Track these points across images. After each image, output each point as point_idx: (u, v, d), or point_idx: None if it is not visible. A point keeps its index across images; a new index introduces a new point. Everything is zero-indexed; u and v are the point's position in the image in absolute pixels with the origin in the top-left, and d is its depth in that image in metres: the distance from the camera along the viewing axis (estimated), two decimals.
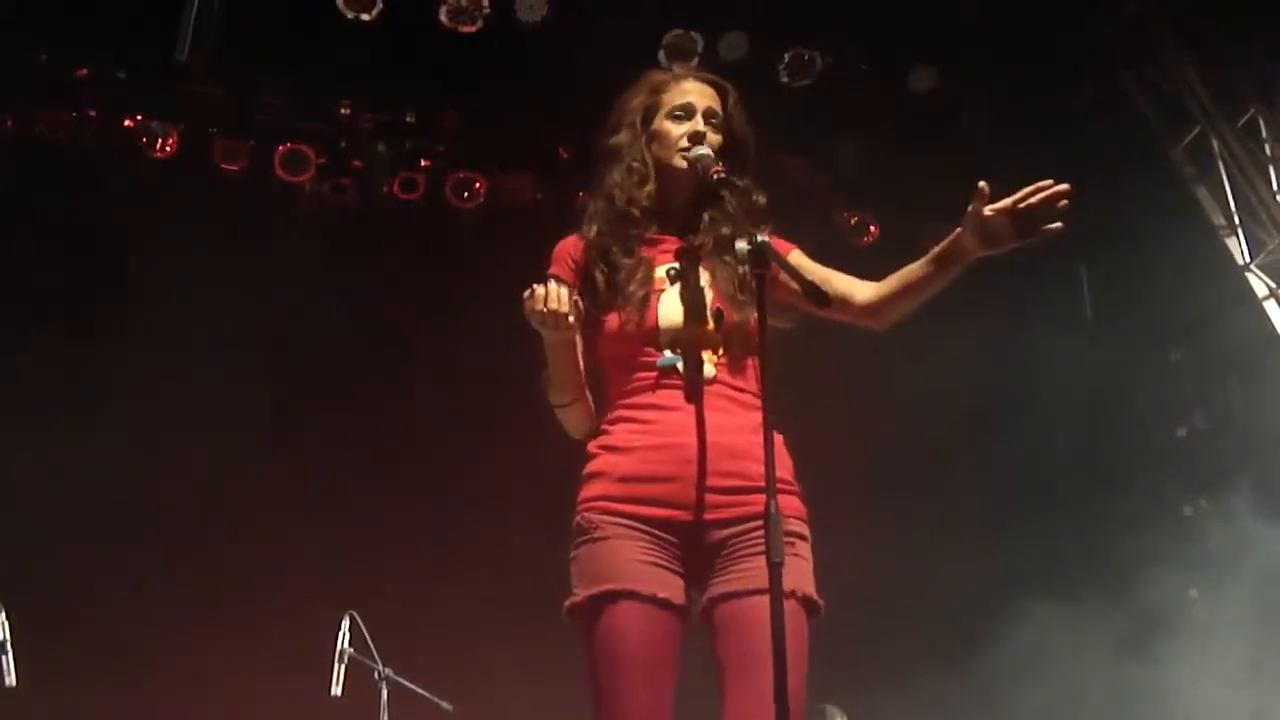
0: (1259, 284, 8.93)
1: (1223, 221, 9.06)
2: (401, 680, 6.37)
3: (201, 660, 7.77)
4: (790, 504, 3.43)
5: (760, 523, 3.20)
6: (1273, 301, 8.88)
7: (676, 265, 3.56)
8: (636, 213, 3.62)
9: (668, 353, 3.49)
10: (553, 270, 3.62)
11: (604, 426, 3.54)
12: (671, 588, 3.36)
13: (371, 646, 6.25)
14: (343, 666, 6.16)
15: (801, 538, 3.43)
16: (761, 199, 3.68)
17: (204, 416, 8.24)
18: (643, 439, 3.45)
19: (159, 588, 8.01)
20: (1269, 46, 8.65)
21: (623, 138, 3.72)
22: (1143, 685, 8.31)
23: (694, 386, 3.46)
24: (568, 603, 3.41)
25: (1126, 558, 9.16)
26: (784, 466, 3.46)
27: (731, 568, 3.36)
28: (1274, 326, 8.85)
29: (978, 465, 8.96)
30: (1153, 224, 9.36)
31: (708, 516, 3.38)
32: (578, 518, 3.46)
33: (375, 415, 8.82)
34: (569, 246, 3.67)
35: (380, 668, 6.28)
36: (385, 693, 6.30)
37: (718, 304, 3.51)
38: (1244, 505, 9.02)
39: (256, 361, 8.49)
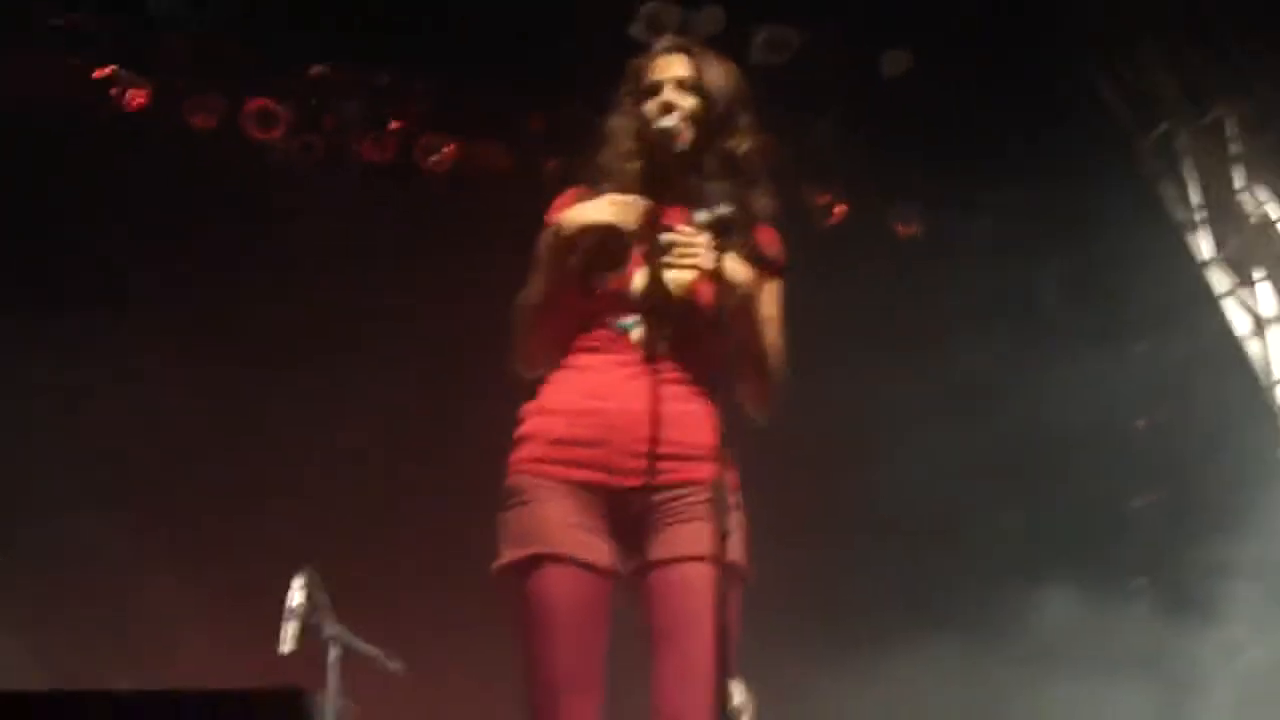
0: (1221, 279, 9.00)
1: (1186, 216, 9.13)
2: (353, 640, 6.37)
3: (153, 610, 7.76)
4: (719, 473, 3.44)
5: (688, 490, 3.26)
6: (1232, 298, 8.95)
7: (661, 236, 3.54)
8: (630, 184, 3.63)
9: (625, 319, 3.51)
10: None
11: (544, 386, 3.56)
12: (600, 551, 3.39)
13: (325, 604, 6.23)
14: (294, 623, 6.14)
15: (733, 506, 3.44)
16: (739, 143, 3.69)
17: (163, 380, 8.22)
18: (575, 402, 3.48)
19: (113, 539, 7.98)
20: (1237, 45, 8.72)
21: (611, 122, 3.76)
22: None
23: (640, 355, 3.49)
24: (496, 565, 3.43)
25: (1078, 544, 9.29)
26: (712, 437, 3.42)
27: (659, 535, 3.39)
28: (1235, 321, 8.92)
29: (937, 455, 9.00)
30: (1116, 218, 9.42)
31: (635, 482, 3.40)
32: (507, 479, 3.49)
33: (338, 373, 8.79)
34: (570, 200, 3.67)
35: (330, 625, 6.26)
36: (334, 652, 6.29)
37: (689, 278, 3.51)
38: (1200, 499, 9.15)
39: (219, 322, 8.48)
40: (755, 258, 3.52)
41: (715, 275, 3.31)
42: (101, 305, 8.18)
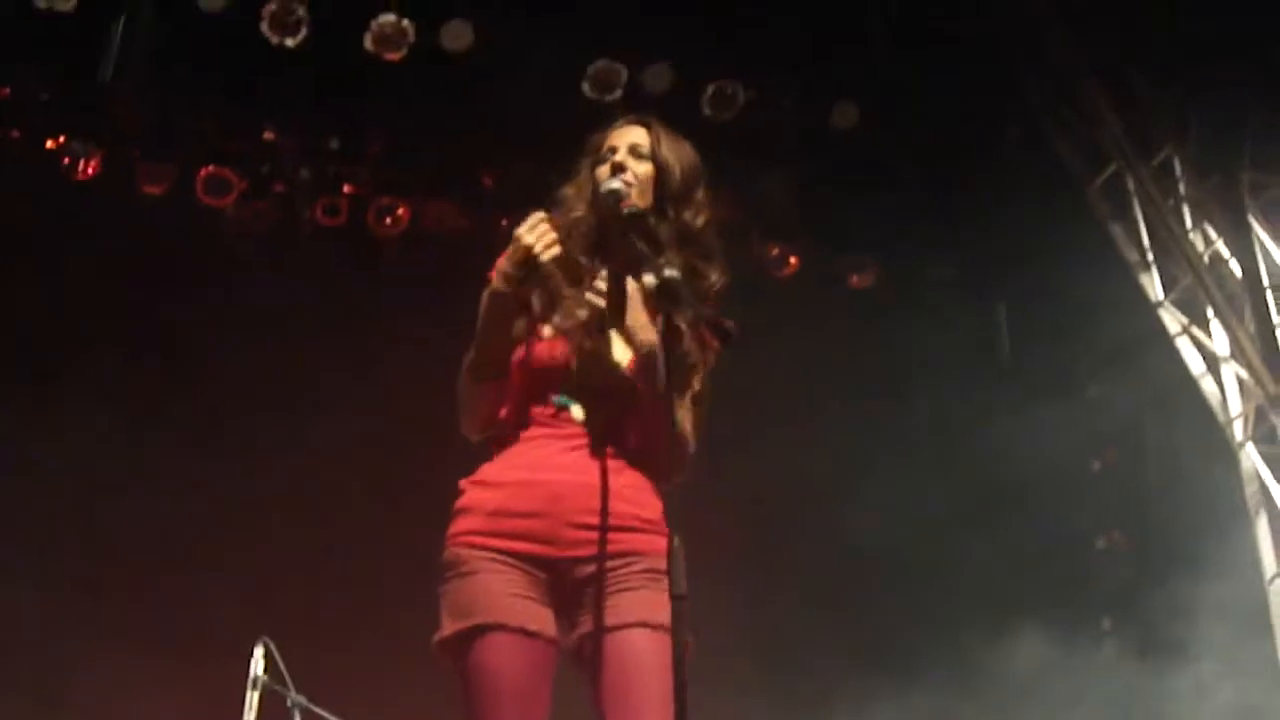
0: (1172, 320, 9.06)
1: (1137, 258, 9.21)
2: (314, 708, 6.33)
3: (115, 687, 7.68)
4: (658, 544, 3.36)
5: (626, 560, 3.29)
6: (1185, 338, 9.01)
7: (603, 306, 3.52)
8: (578, 252, 3.61)
9: (562, 396, 3.52)
10: None
11: (485, 458, 3.55)
12: (541, 620, 3.38)
13: (285, 674, 6.20)
14: (256, 694, 6.11)
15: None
16: (694, 216, 3.68)
17: (118, 441, 8.18)
18: (512, 474, 3.48)
19: (72, 614, 7.92)
20: (1183, 89, 8.83)
21: (568, 189, 3.77)
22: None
23: (579, 430, 3.50)
24: (437, 637, 3.41)
25: (1043, 587, 9.31)
26: (653, 509, 3.49)
27: (600, 604, 3.38)
28: (1186, 362, 8.98)
29: (892, 498, 9.01)
30: (1068, 261, 9.48)
31: (574, 553, 3.40)
32: (446, 552, 3.47)
33: (296, 440, 8.75)
34: None
35: (294, 695, 6.23)
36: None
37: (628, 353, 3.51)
38: (1157, 539, 9.19)
39: (174, 388, 8.45)
40: (710, 324, 3.53)
41: (619, 324, 3.38)
42: (50, 374, 8.14)
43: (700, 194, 3.73)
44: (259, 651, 6.12)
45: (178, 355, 8.57)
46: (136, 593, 8.16)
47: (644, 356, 3.44)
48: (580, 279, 3.57)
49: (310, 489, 8.57)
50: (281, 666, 6.16)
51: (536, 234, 3.40)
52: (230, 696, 6.09)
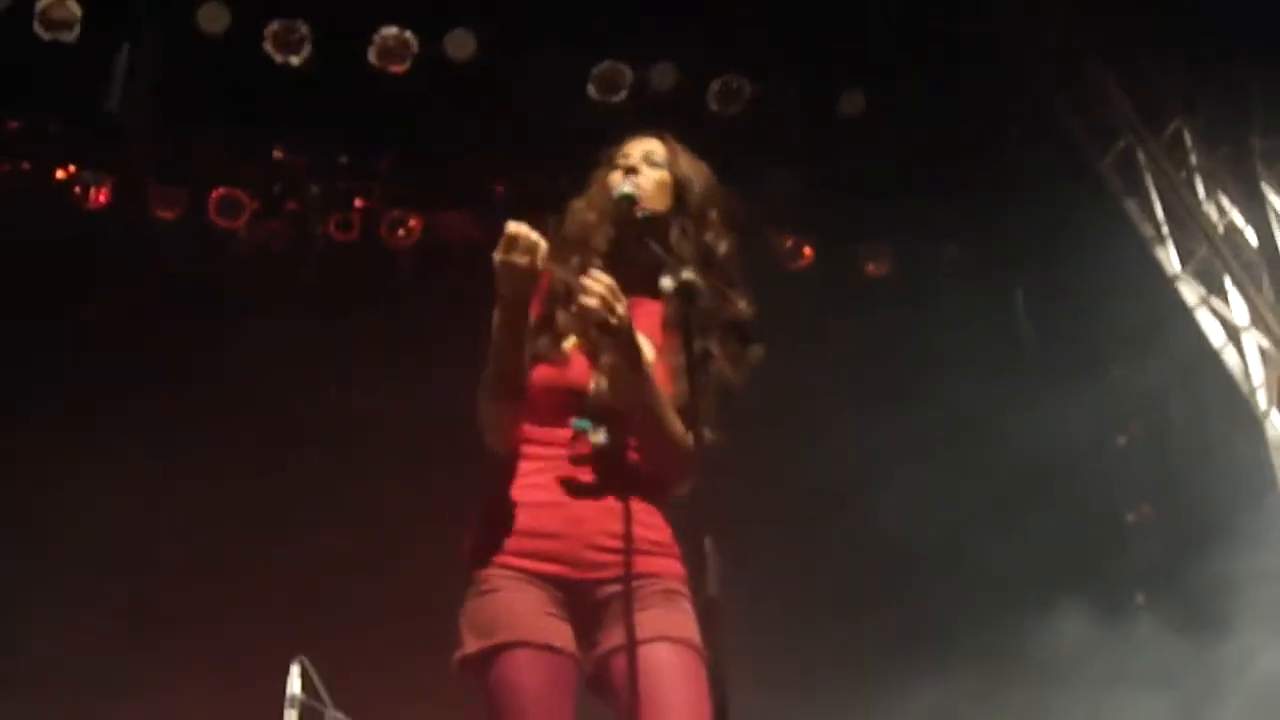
0: (1190, 292, 9.03)
1: (1152, 232, 9.18)
2: None
3: (150, 709, 7.71)
4: (672, 567, 3.50)
5: (644, 581, 3.39)
6: (1205, 309, 8.98)
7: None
8: (594, 258, 3.60)
9: (584, 420, 3.51)
10: None
11: (501, 475, 3.54)
12: (564, 636, 3.39)
13: (322, 691, 6.21)
14: (294, 712, 6.12)
15: (683, 595, 3.49)
16: (716, 239, 3.68)
17: (145, 466, 8.21)
18: (532, 494, 3.47)
19: (102, 633, 7.93)
20: (1188, 59, 8.79)
21: (577, 202, 3.77)
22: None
23: (598, 452, 3.49)
24: (459, 655, 3.41)
25: (1077, 565, 9.28)
26: (664, 531, 3.54)
27: (619, 623, 3.39)
28: (1206, 334, 8.95)
29: (920, 488, 8.99)
30: (1084, 240, 9.45)
31: (594, 575, 3.42)
32: (468, 570, 3.48)
33: (322, 457, 8.76)
34: None
35: (331, 711, 6.24)
36: None
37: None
38: (1187, 512, 9.15)
39: (194, 405, 8.48)
40: (731, 325, 3.52)
41: (618, 332, 3.33)
42: (73, 405, 8.17)
43: (717, 216, 3.73)
44: (295, 670, 6.14)
45: (202, 377, 8.57)
46: (174, 615, 8.17)
47: (645, 368, 3.43)
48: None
49: (341, 505, 8.59)
50: (318, 684, 6.17)
51: (510, 249, 3.30)
52: (270, 716, 6.11)
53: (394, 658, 8.05)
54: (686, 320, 3.23)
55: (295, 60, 8.38)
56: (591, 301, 3.32)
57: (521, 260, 3.29)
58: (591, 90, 8.78)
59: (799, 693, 8.49)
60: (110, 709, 7.73)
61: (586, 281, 3.36)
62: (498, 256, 3.30)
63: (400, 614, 8.16)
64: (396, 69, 8.57)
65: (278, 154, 9.27)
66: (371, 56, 8.54)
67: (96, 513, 7.95)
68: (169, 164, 9.04)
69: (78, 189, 8.82)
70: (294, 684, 6.11)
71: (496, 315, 3.43)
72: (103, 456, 8.01)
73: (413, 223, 9.28)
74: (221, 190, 8.99)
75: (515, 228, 3.30)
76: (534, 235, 3.30)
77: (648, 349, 3.49)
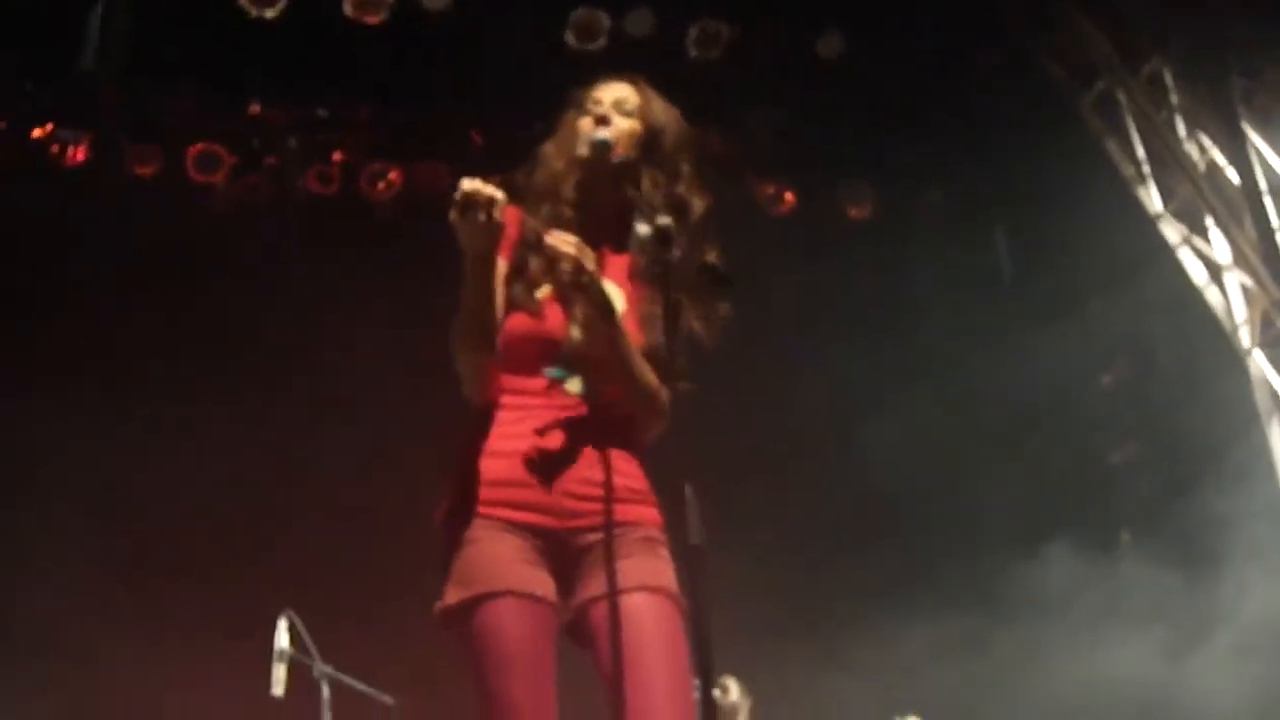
0: (1172, 232, 9.03)
1: (1133, 171, 9.18)
2: (342, 676, 6.36)
3: (140, 663, 7.72)
4: (650, 514, 3.48)
5: (623, 529, 3.37)
6: (1187, 248, 8.98)
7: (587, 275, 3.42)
8: (564, 207, 3.57)
9: (558, 369, 3.50)
10: None
11: (476, 425, 3.53)
12: (545, 585, 3.38)
13: (310, 644, 6.23)
14: (283, 666, 6.13)
15: (662, 544, 3.48)
16: (687, 189, 3.64)
17: (132, 428, 8.21)
18: (510, 444, 3.45)
19: (90, 590, 7.94)
20: None
21: (547, 146, 3.71)
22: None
23: (573, 400, 3.48)
24: (440, 605, 3.39)
25: (1065, 505, 9.33)
26: (641, 479, 3.51)
27: (598, 572, 3.39)
28: (1189, 273, 8.96)
29: (904, 430, 9.01)
30: (1066, 180, 9.44)
31: (573, 524, 3.41)
32: (445, 520, 3.47)
33: (309, 409, 8.74)
34: (509, 214, 3.44)
35: (319, 665, 6.26)
36: (326, 690, 6.28)
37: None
38: (1171, 450, 9.19)
39: (178, 362, 8.47)
40: (706, 270, 3.50)
41: (588, 289, 3.32)
42: (56, 364, 8.15)
43: (689, 169, 3.68)
44: (283, 624, 6.15)
45: (188, 337, 8.56)
46: (162, 573, 8.19)
47: (618, 322, 3.41)
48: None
49: (326, 457, 8.60)
50: (306, 638, 6.19)
51: (467, 208, 3.23)
52: (260, 669, 6.12)
53: (380, 609, 8.08)
54: (663, 266, 3.22)
55: (270, 13, 8.32)
56: (563, 264, 3.32)
57: (479, 217, 3.24)
58: (569, 38, 8.73)
59: (785, 636, 8.53)
60: (98, 666, 7.75)
61: (552, 242, 3.34)
62: (453, 217, 3.24)
63: (388, 566, 8.17)
64: (372, 19, 8.50)
65: (255, 108, 9.21)
66: (347, 8, 8.47)
67: (78, 471, 7.95)
68: (145, 120, 8.99)
69: (55, 147, 8.76)
70: (281, 638, 6.13)
71: (464, 266, 3.40)
72: (85, 414, 7.98)
73: (392, 175, 9.24)
74: (199, 146, 8.93)
75: (469, 185, 3.23)
76: (488, 190, 3.23)
77: (618, 299, 3.48)
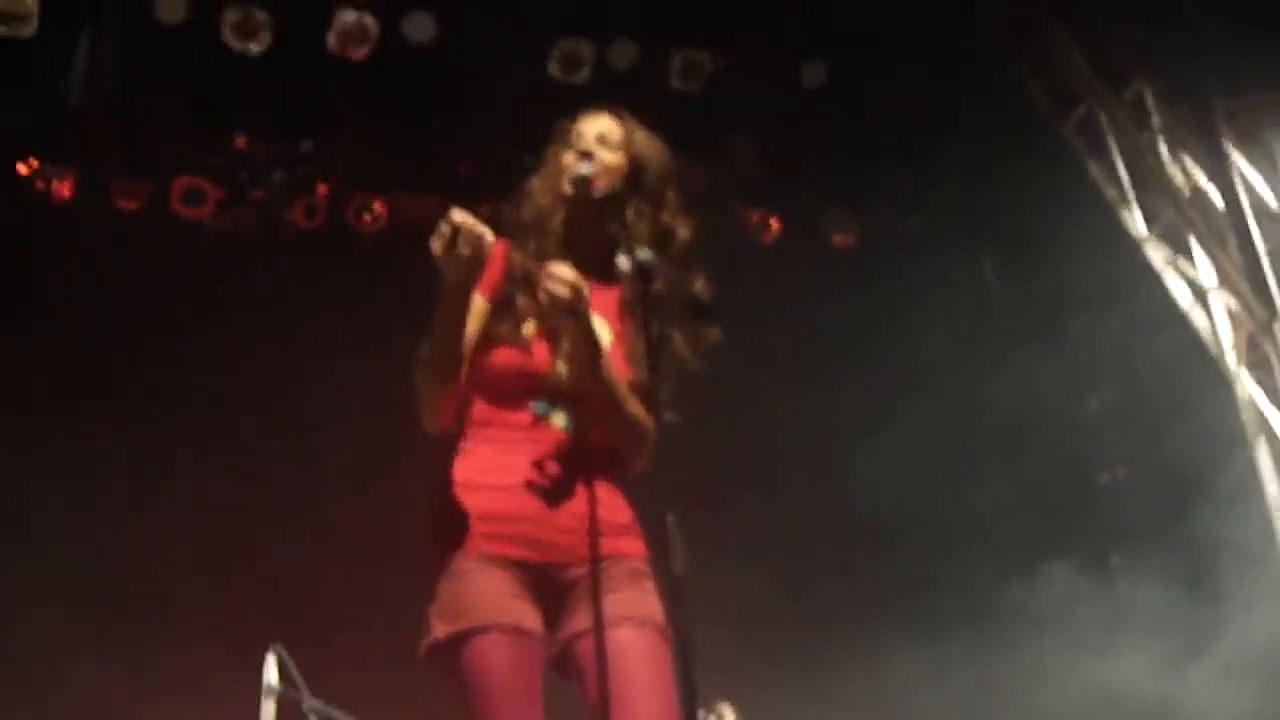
0: (1157, 254, 9.05)
1: (1116, 194, 9.19)
2: (331, 711, 6.32)
3: (131, 701, 7.69)
4: (636, 547, 3.52)
5: (610, 563, 3.40)
6: (1172, 270, 9.00)
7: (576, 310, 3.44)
8: (551, 242, 3.59)
9: (543, 404, 3.50)
10: None
11: (460, 458, 3.53)
12: (531, 618, 3.39)
13: (299, 679, 6.20)
14: (272, 702, 6.10)
15: (647, 576, 3.50)
16: (673, 219, 3.65)
17: (119, 457, 8.21)
18: (495, 478, 3.46)
19: (79, 620, 7.92)
20: (1146, 18, 8.81)
21: (533, 181, 3.73)
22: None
23: (558, 434, 3.49)
24: (428, 640, 3.40)
25: (1046, 528, 9.32)
26: (626, 512, 3.54)
27: (587, 604, 3.40)
28: (1174, 295, 8.97)
29: (893, 454, 9.01)
30: (1051, 204, 9.47)
31: (560, 559, 3.43)
32: (434, 554, 3.46)
33: (296, 441, 8.73)
34: (495, 248, 3.47)
35: (308, 699, 6.22)
36: None
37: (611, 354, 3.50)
38: (1160, 472, 9.19)
39: (172, 395, 8.46)
40: (690, 302, 3.51)
41: (583, 318, 3.35)
42: (45, 396, 8.15)
43: (673, 195, 3.70)
44: (271, 659, 6.12)
45: (174, 368, 8.55)
46: (148, 607, 8.16)
47: (604, 359, 3.44)
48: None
49: (315, 492, 8.58)
50: (294, 673, 6.16)
51: (453, 242, 3.25)
52: (249, 706, 6.09)
53: (370, 645, 8.05)
54: (644, 300, 3.24)
55: (255, 47, 8.34)
56: (561, 289, 3.32)
57: (464, 251, 3.26)
58: (553, 69, 8.76)
59: (776, 660, 8.52)
60: (88, 696, 7.72)
61: (553, 268, 3.35)
62: (436, 248, 3.25)
63: (378, 603, 8.15)
64: (356, 54, 8.53)
65: (240, 142, 9.21)
66: (331, 42, 8.50)
67: (67, 503, 7.94)
68: (131, 155, 8.99)
69: (40, 183, 8.75)
70: (270, 673, 6.10)
71: (441, 295, 3.40)
72: (72, 447, 8.00)
73: (377, 206, 9.23)
74: (185, 180, 8.93)
75: (459, 218, 3.25)
76: (477, 227, 3.26)
77: (604, 333, 3.49)
